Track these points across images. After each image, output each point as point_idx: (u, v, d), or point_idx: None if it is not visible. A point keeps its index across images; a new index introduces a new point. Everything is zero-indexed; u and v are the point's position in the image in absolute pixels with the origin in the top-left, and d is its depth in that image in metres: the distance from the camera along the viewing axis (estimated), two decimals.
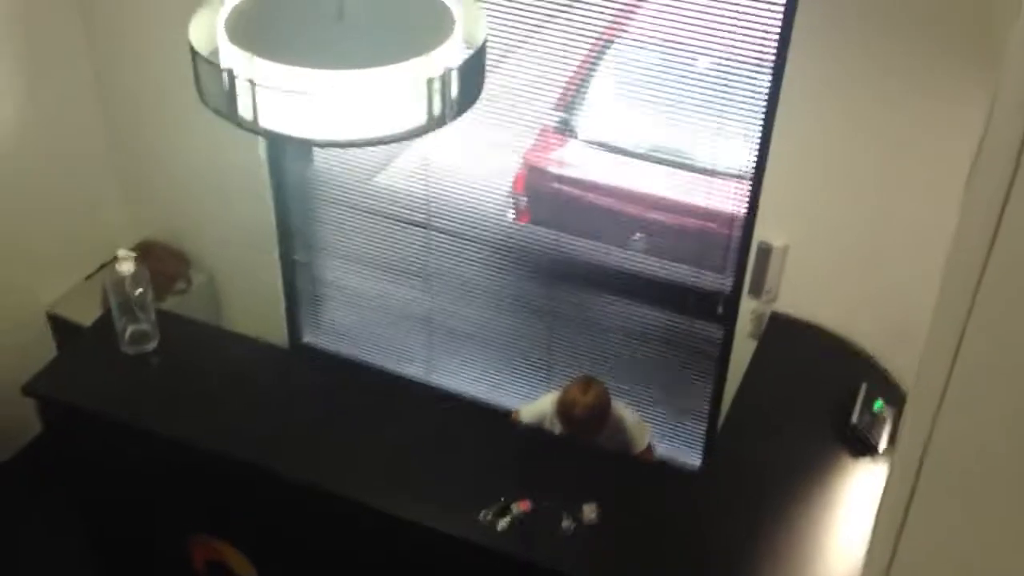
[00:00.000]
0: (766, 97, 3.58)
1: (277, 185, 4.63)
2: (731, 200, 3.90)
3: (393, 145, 4.30)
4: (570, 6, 3.72)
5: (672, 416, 4.52)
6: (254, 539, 3.71)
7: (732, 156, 3.80)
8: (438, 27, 2.15)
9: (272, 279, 4.91)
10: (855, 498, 3.38)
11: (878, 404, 3.56)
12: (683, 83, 3.75)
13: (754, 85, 3.61)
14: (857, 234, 3.72)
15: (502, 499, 3.29)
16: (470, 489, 3.36)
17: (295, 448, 3.53)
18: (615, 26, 3.94)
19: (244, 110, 2.07)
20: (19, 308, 4.69)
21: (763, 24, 3.46)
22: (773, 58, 3.49)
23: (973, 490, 1.37)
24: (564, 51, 3.89)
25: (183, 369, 3.81)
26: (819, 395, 3.72)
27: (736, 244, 3.96)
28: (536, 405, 3.97)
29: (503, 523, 3.24)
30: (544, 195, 4.49)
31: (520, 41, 3.89)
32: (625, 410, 3.91)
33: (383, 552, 3.51)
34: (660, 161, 4.15)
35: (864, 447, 3.48)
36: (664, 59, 3.74)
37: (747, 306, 4.05)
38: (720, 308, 4.15)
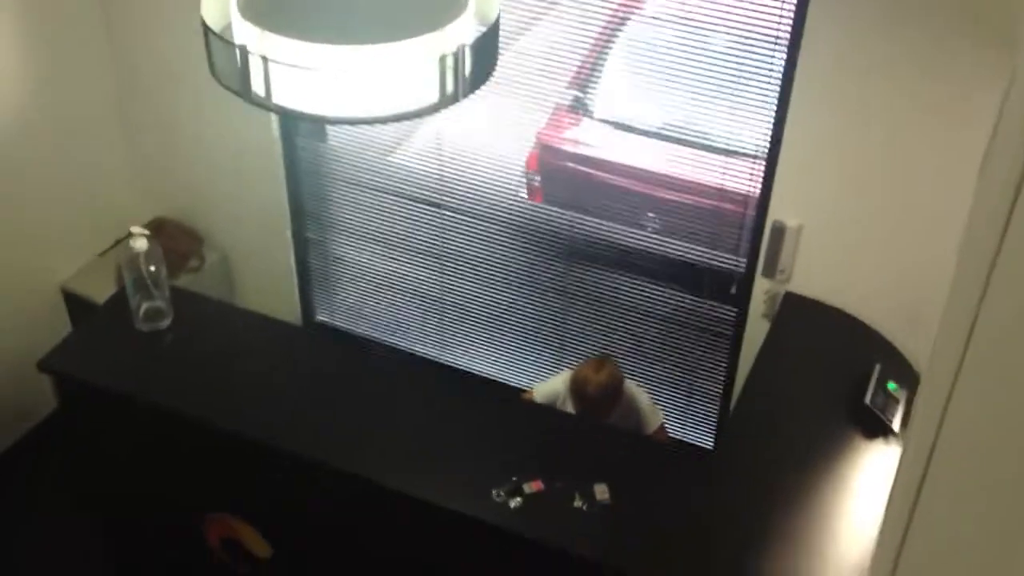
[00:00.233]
0: (781, 76, 3.56)
1: (290, 163, 4.63)
2: (745, 180, 3.88)
3: (406, 124, 4.31)
4: None
5: (684, 396, 4.52)
6: (268, 516, 3.73)
7: (747, 135, 3.79)
8: (451, 3, 2.13)
9: (285, 257, 4.92)
10: (868, 478, 3.38)
11: (892, 384, 3.55)
12: (698, 62, 3.73)
13: (769, 64, 3.59)
14: (871, 214, 3.71)
15: (514, 478, 3.30)
16: (482, 468, 3.37)
17: (309, 426, 3.54)
18: (629, 3, 3.92)
19: (257, 87, 2.07)
20: (34, 284, 4.71)
21: (778, 2, 3.43)
22: (788, 36, 3.47)
23: (986, 472, 1.36)
24: (578, 29, 3.87)
25: (197, 346, 3.82)
26: (832, 375, 3.72)
27: (750, 224, 3.94)
28: (549, 384, 3.98)
29: (515, 502, 3.25)
30: (557, 174, 4.48)
31: (534, 18, 3.87)
32: (638, 390, 3.91)
33: (395, 529, 3.52)
34: (674, 140, 4.13)
35: (878, 427, 3.48)
36: (678, 37, 3.72)
37: (761, 286, 4.04)
38: (734, 288, 4.14)
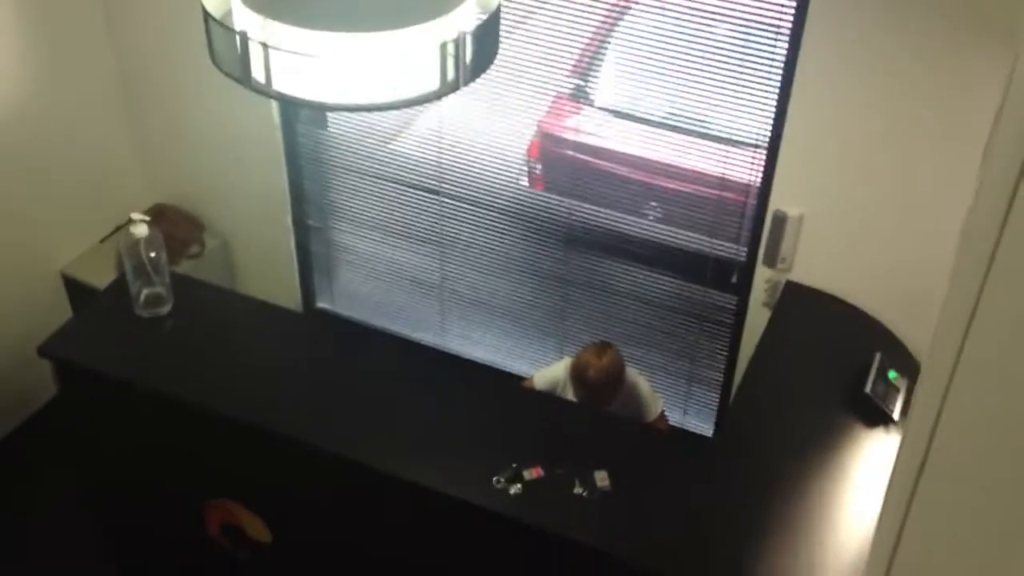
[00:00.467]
0: (783, 65, 3.55)
1: (291, 150, 4.63)
2: (747, 168, 3.88)
3: (407, 111, 4.30)
4: None
5: (685, 384, 4.52)
6: (268, 502, 3.74)
7: (748, 124, 3.78)
8: None
9: (286, 244, 4.92)
10: (868, 466, 3.38)
11: (892, 373, 3.55)
12: (699, 50, 3.72)
13: (771, 52, 3.58)
14: (873, 203, 3.70)
15: (514, 465, 3.31)
16: (482, 455, 3.37)
17: (308, 412, 3.54)
18: None
19: (257, 73, 2.07)
20: (34, 270, 4.71)
21: None
22: (791, 25, 3.46)
23: (985, 460, 1.37)
24: (579, 16, 3.86)
25: (197, 333, 3.82)
26: (833, 364, 3.72)
27: (751, 213, 3.94)
28: (549, 371, 3.98)
29: (515, 489, 3.25)
30: (558, 162, 4.48)
31: (535, 6, 3.86)
32: (639, 378, 3.91)
33: (394, 515, 3.53)
34: (675, 129, 4.12)
35: (878, 415, 3.48)
36: (680, 25, 3.72)
37: (761, 275, 4.04)
38: (735, 277, 4.14)
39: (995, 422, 1.33)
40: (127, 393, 3.68)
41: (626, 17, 4.09)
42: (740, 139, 3.85)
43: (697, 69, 3.76)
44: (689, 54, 3.75)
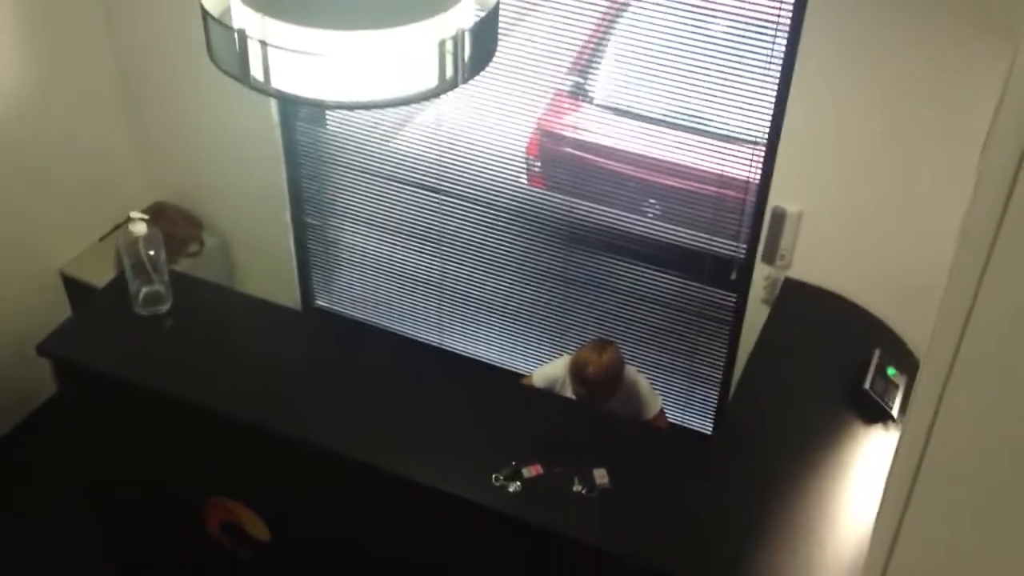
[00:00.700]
0: (782, 61, 3.55)
1: (289, 148, 4.62)
2: (745, 166, 3.88)
3: (406, 108, 4.30)
4: None
5: (684, 382, 4.52)
6: (268, 500, 3.74)
7: (747, 121, 3.78)
8: None
9: (284, 242, 4.91)
10: (867, 463, 3.38)
11: (891, 370, 3.55)
12: (698, 47, 3.72)
13: (770, 49, 3.57)
14: (872, 200, 3.70)
15: (513, 463, 3.31)
16: (482, 452, 3.37)
17: (308, 410, 3.54)
18: None
19: (256, 71, 2.07)
20: (33, 269, 4.71)
21: None
22: (789, 21, 3.46)
23: (983, 456, 1.37)
24: (578, 13, 3.86)
25: (196, 331, 3.82)
26: (832, 360, 3.72)
27: (750, 210, 3.93)
28: (549, 369, 3.98)
29: (514, 487, 3.26)
30: (558, 159, 4.47)
31: (534, 3, 3.86)
32: (638, 376, 3.91)
33: (394, 513, 3.53)
34: (674, 126, 4.12)
35: (877, 412, 3.48)
36: (679, 22, 3.71)
37: (761, 272, 4.04)
38: (734, 274, 4.13)
39: (993, 418, 1.33)
40: (126, 391, 3.68)
41: (625, 14, 4.09)
42: (739, 136, 3.85)
43: (696, 66, 3.76)
44: (688, 51, 3.74)
